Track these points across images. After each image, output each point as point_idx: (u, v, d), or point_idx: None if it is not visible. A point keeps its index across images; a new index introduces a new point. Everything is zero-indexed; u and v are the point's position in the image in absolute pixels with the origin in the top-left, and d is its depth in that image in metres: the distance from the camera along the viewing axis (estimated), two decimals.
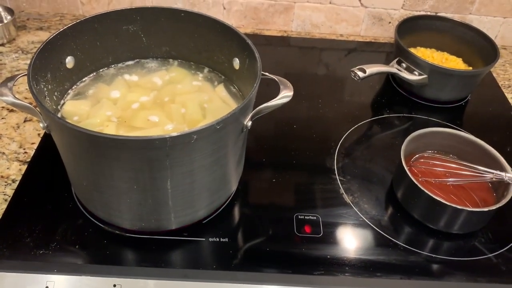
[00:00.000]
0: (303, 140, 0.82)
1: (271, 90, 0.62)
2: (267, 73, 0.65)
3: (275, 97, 0.60)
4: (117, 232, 0.64)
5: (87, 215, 0.65)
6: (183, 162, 0.53)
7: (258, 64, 0.60)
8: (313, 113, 0.88)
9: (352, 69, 0.82)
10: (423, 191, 0.65)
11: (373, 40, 1.13)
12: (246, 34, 1.09)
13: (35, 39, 1.01)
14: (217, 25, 0.67)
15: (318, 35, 1.13)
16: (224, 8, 1.08)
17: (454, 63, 0.96)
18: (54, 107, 0.64)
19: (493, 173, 0.69)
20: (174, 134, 0.48)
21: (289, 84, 0.63)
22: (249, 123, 0.58)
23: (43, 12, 1.09)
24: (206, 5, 1.08)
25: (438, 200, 0.64)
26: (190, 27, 0.70)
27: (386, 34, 1.13)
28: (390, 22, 1.10)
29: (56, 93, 0.64)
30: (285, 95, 0.61)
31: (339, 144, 0.81)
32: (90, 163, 0.54)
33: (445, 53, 1.00)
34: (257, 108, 0.59)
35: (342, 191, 0.73)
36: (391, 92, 0.96)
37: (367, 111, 0.90)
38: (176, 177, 0.54)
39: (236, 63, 0.68)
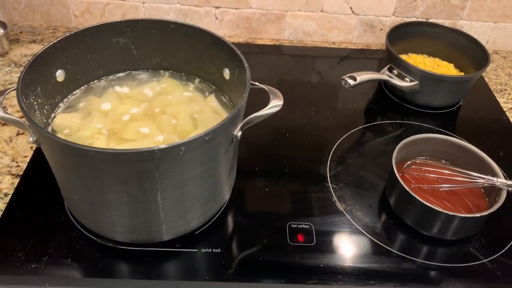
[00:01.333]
0: (296, 148, 0.82)
1: (263, 99, 0.62)
2: (257, 83, 0.65)
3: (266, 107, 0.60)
4: (109, 244, 0.64)
5: (80, 228, 0.65)
6: (173, 174, 0.53)
7: (247, 74, 0.60)
8: (305, 121, 0.89)
9: (342, 77, 0.82)
10: (415, 198, 0.65)
11: (365, 47, 1.13)
12: (239, 44, 1.11)
13: (28, 52, 1.01)
14: (207, 36, 0.68)
15: (310, 43, 1.13)
16: (217, 18, 1.09)
17: (446, 68, 0.96)
18: (45, 120, 0.64)
19: (484, 178, 0.69)
20: (163, 146, 0.48)
21: (279, 93, 0.63)
22: (239, 134, 0.58)
23: (36, 25, 1.10)
24: (198, 15, 1.08)
25: (431, 207, 0.64)
26: (181, 38, 0.70)
27: (378, 41, 1.13)
28: (381, 29, 1.11)
29: (46, 107, 0.64)
30: (275, 104, 0.61)
31: (331, 152, 0.81)
32: (79, 176, 0.54)
33: (437, 59, 1.01)
34: (247, 119, 0.59)
35: (335, 198, 0.73)
36: (384, 99, 0.96)
37: (359, 118, 0.90)
38: (166, 189, 0.54)
39: (227, 73, 0.68)
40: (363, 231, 0.68)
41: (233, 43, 1.10)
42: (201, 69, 0.72)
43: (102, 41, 0.68)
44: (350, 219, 0.70)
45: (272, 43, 1.12)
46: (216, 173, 0.59)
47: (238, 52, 0.63)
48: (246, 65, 0.62)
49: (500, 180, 0.68)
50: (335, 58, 1.10)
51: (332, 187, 0.75)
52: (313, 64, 1.08)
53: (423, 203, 0.65)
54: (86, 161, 0.50)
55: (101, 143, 0.61)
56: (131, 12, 1.08)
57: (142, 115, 0.67)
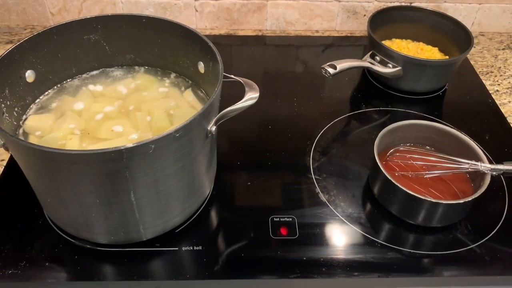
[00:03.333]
0: (279, 140, 0.81)
1: (243, 92, 0.61)
2: (232, 75, 0.63)
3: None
4: (88, 246, 0.63)
5: (58, 230, 0.64)
6: (145, 173, 0.52)
7: (220, 66, 0.59)
8: (288, 112, 0.87)
9: (322, 66, 0.81)
10: (398, 186, 0.64)
11: (349, 35, 1.11)
12: (221, 36, 1.09)
13: None
14: (179, 29, 0.66)
15: (293, 33, 1.11)
16: (196, 11, 1.07)
17: (430, 53, 0.95)
18: (15, 123, 0.62)
19: (469, 163, 0.67)
20: (130, 145, 0.47)
21: (254, 85, 0.62)
22: (214, 128, 0.57)
23: (13, 25, 1.07)
24: (177, 8, 1.06)
25: (414, 195, 0.63)
26: (153, 32, 0.68)
27: (362, 27, 1.11)
28: (365, 15, 1.09)
29: (16, 109, 0.62)
30: (251, 97, 0.60)
31: (314, 142, 0.80)
32: (50, 179, 0.53)
33: (421, 43, 0.99)
34: (221, 113, 0.57)
35: (318, 190, 0.72)
36: (368, 86, 0.95)
37: (343, 107, 0.89)
38: (139, 188, 0.53)
39: (201, 66, 0.67)
40: (346, 221, 0.67)
41: (215, 36, 1.10)
42: (176, 64, 0.71)
43: (72, 39, 0.67)
44: (333, 210, 0.69)
45: (254, 33, 1.11)
46: (192, 170, 0.58)
47: (211, 44, 0.62)
48: (219, 57, 0.60)
49: (484, 165, 0.66)
50: (319, 47, 1.08)
51: (315, 178, 0.74)
52: (297, 54, 1.06)
53: (407, 192, 0.64)
54: (53, 163, 0.49)
55: (73, 143, 0.60)
56: (109, 8, 1.05)
57: (117, 113, 0.65)
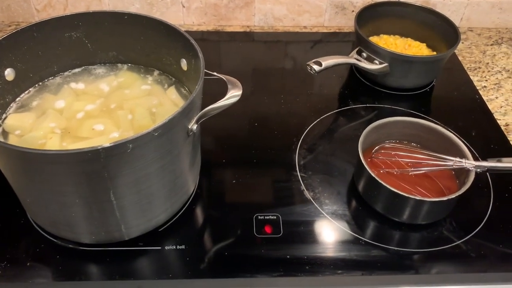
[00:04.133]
0: (265, 137, 0.81)
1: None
2: (215, 73, 0.63)
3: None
4: (70, 246, 0.62)
5: (40, 230, 0.63)
6: (124, 173, 0.51)
7: (201, 63, 0.58)
8: (275, 109, 0.87)
9: (307, 63, 0.80)
10: (382, 184, 0.64)
11: (337, 31, 1.11)
12: (208, 32, 1.09)
13: None
14: (161, 26, 0.65)
15: (281, 29, 1.11)
16: (183, 7, 1.06)
17: (417, 49, 0.94)
18: None
19: (453, 160, 0.67)
20: (107, 145, 0.46)
21: (237, 83, 0.61)
22: (195, 127, 0.56)
23: None
24: (164, 4, 1.05)
25: (398, 193, 0.63)
26: (135, 29, 0.67)
27: (350, 23, 1.11)
28: (353, 11, 1.08)
29: None
30: (233, 94, 0.59)
31: (301, 139, 0.80)
32: (28, 179, 0.52)
33: (409, 39, 0.99)
34: (203, 111, 0.57)
35: (303, 187, 0.71)
36: (355, 83, 0.94)
37: (330, 104, 0.88)
38: (119, 188, 0.52)
39: (184, 64, 0.66)
40: (331, 219, 0.67)
41: (202, 32, 1.09)
42: (159, 61, 0.70)
43: (53, 36, 0.66)
44: (318, 208, 0.68)
45: (242, 29, 1.10)
46: (174, 169, 0.58)
47: (193, 41, 0.61)
48: (200, 54, 0.59)
49: (468, 162, 0.66)
50: (308, 43, 1.08)
51: (301, 176, 0.73)
52: (286, 50, 1.06)
53: (391, 189, 0.63)
54: (30, 163, 0.48)
55: (53, 142, 0.59)
56: (94, 4, 1.04)
57: (98, 112, 0.65)
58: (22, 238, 0.63)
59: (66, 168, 0.48)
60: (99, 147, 0.46)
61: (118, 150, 0.48)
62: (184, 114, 0.53)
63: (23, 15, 1.05)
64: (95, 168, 0.48)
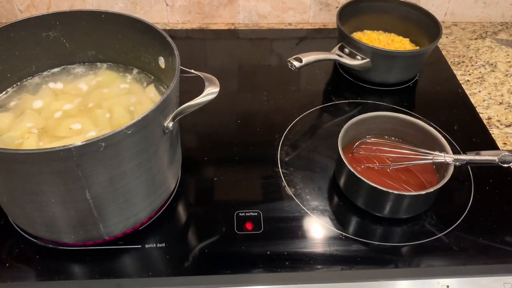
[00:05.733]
0: (247, 134, 0.81)
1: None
2: (192, 70, 0.63)
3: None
4: (50, 246, 0.62)
5: (19, 231, 0.63)
6: (98, 171, 0.51)
7: (176, 61, 0.58)
8: (258, 106, 0.87)
9: (288, 59, 0.80)
10: (362, 180, 0.64)
11: (322, 27, 1.11)
12: (193, 30, 1.09)
13: None
14: (138, 24, 0.65)
15: (266, 26, 1.11)
16: (167, 5, 1.06)
17: (400, 44, 0.95)
18: None
19: (432, 154, 0.68)
20: (78, 143, 0.46)
21: (215, 80, 0.61)
22: (171, 124, 0.56)
23: None
24: (148, 3, 1.05)
25: (377, 188, 0.63)
26: (113, 28, 0.67)
27: (335, 19, 1.10)
28: (337, 7, 1.08)
29: None
30: (210, 92, 0.59)
31: (283, 136, 0.80)
32: (1, 179, 0.52)
33: (392, 34, 0.99)
34: (179, 108, 0.57)
35: (284, 183, 0.71)
36: (339, 79, 0.95)
37: (313, 100, 0.88)
38: (94, 187, 0.52)
39: (162, 62, 0.66)
40: (311, 215, 0.67)
41: (187, 30, 1.09)
42: (138, 59, 0.70)
43: (30, 36, 0.65)
44: (299, 204, 0.69)
45: (227, 27, 1.10)
46: (150, 167, 0.58)
47: (169, 39, 0.61)
48: (176, 52, 0.59)
49: (447, 155, 0.66)
50: (293, 40, 1.08)
51: (282, 172, 0.73)
52: (271, 47, 1.06)
53: (370, 185, 0.64)
54: (2, 163, 0.48)
55: (30, 142, 0.59)
56: (78, 4, 1.04)
57: (77, 111, 0.64)
58: (1, 239, 0.63)
59: (39, 168, 0.48)
60: (70, 146, 0.46)
61: (90, 149, 0.47)
62: (158, 112, 0.53)
63: (6, 15, 1.05)
64: (68, 167, 0.48)
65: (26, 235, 0.63)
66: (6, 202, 0.57)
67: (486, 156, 0.65)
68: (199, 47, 1.04)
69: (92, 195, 0.53)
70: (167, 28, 1.07)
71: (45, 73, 0.70)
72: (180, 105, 0.58)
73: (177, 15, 1.08)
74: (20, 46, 0.65)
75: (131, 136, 0.50)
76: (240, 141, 0.79)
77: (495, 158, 0.64)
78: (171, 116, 0.56)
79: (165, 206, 0.67)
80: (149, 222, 0.65)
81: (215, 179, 0.72)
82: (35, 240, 0.63)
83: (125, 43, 0.69)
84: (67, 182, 0.50)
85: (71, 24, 0.67)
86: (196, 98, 0.58)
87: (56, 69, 0.71)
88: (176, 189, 0.69)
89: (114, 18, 0.66)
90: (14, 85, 0.68)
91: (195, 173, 0.73)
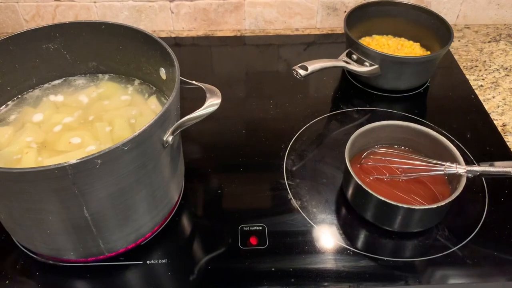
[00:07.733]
0: (252, 144, 0.79)
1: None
2: (194, 81, 0.62)
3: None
4: (50, 262, 0.61)
5: (20, 246, 0.62)
6: (95, 188, 0.49)
7: (176, 72, 0.57)
8: (264, 115, 0.85)
9: (293, 68, 0.78)
10: (370, 193, 0.61)
11: (330, 32, 1.09)
12: (199, 37, 1.07)
13: None
14: (138, 34, 0.64)
15: (272, 32, 1.09)
16: (172, 12, 1.04)
17: (410, 49, 0.92)
18: None
19: (444, 165, 0.65)
20: (73, 161, 0.45)
21: (217, 91, 0.59)
22: (170, 138, 0.55)
23: None
24: (152, 11, 1.04)
25: (386, 201, 0.61)
26: (114, 39, 0.66)
27: (342, 24, 1.08)
28: (345, 11, 1.06)
29: None
30: (212, 103, 0.58)
31: (289, 146, 0.78)
32: None
33: (402, 38, 0.96)
34: (179, 122, 0.55)
35: (290, 196, 0.69)
36: (347, 85, 0.92)
37: (321, 108, 0.86)
38: (92, 204, 0.51)
39: (163, 72, 0.64)
40: (318, 228, 0.65)
41: (193, 37, 1.07)
42: (140, 70, 0.69)
43: (30, 48, 0.64)
44: (306, 217, 0.66)
45: (233, 34, 1.08)
46: (150, 182, 0.56)
47: (169, 49, 0.60)
48: (176, 63, 0.58)
49: (459, 166, 0.64)
50: (301, 46, 1.06)
51: (288, 184, 0.71)
52: (278, 54, 1.04)
53: (379, 198, 0.61)
54: None
55: (29, 158, 0.58)
56: (83, 13, 1.03)
57: (77, 124, 0.63)
58: (2, 255, 0.62)
59: (35, 186, 0.47)
60: (65, 164, 0.44)
61: (86, 166, 0.46)
62: (157, 126, 0.51)
63: (12, 25, 1.05)
64: (64, 184, 0.47)
65: (26, 251, 0.62)
66: (5, 219, 0.56)
67: (500, 167, 0.62)
68: (205, 54, 1.02)
69: (90, 212, 0.52)
70: (173, 35, 1.06)
71: (45, 85, 0.69)
72: (181, 117, 0.56)
73: (183, 22, 1.06)
74: (20, 59, 0.65)
75: (129, 152, 0.49)
76: (245, 151, 0.77)
77: (510, 170, 0.61)
78: (170, 130, 0.55)
79: (168, 220, 0.66)
80: (151, 236, 0.64)
81: (219, 191, 0.70)
82: (36, 256, 0.61)
83: (126, 54, 0.67)
84: (63, 200, 0.49)
85: (71, 36, 0.66)
86: (197, 111, 0.57)
87: (57, 81, 0.70)
88: (179, 202, 0.68)
89: (115, 29, 0.65)
90: (15, 98, 0.67)
91: (199, 185, 0.71)
